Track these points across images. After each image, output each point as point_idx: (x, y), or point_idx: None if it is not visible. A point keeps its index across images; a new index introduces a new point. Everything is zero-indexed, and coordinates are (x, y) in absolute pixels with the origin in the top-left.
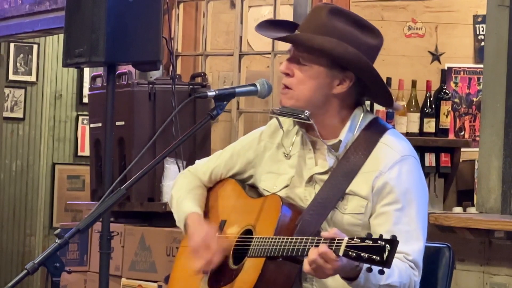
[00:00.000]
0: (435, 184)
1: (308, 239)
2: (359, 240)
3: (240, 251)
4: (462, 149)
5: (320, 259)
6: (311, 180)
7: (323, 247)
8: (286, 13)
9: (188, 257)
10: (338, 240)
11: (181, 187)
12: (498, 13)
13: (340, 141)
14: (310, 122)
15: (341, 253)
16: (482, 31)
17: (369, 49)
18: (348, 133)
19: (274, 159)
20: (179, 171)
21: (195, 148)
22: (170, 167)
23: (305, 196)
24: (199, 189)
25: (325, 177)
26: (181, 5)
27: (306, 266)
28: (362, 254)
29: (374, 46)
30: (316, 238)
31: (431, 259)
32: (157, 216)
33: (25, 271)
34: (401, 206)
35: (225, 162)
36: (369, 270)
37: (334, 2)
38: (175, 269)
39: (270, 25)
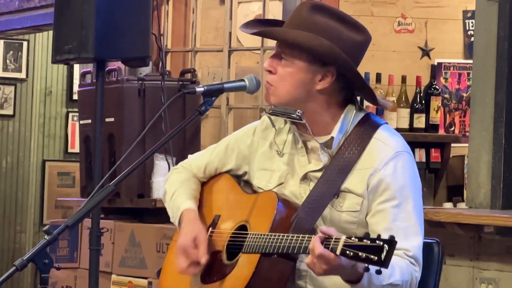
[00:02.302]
0: (425, 180)
1: (305, 237)
2: (356, 240)
3: (234, 247)
4: (452, 145)
5: (318, 259)
6: (305, 178)
7: (320, 249)
8: (275, 9)
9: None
10: (335, 239)
11: (174, 182)
12: (487, 8)
13: (332, 138)
14: (302, 121)
15: (338, 252)
16: (472, 26)
17: (352, 44)
18: (340, 130)
19: (267, 156)
20: (169, 167)
21: (185, 144)
22: (160, 163)
23: (300, 193)
24: (193, 184)
25: (320, 174)
26: (171, 1)
27: (308, 260)
28: (360, 254)
29: (358, 42)
30: (313, 236)
31: None
32: (147, 212)
33: (14, 268)
34: (398, 203)
35: (220, 156)
36: (367, 269)
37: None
38: (166, 263)
39: (257, 24)
